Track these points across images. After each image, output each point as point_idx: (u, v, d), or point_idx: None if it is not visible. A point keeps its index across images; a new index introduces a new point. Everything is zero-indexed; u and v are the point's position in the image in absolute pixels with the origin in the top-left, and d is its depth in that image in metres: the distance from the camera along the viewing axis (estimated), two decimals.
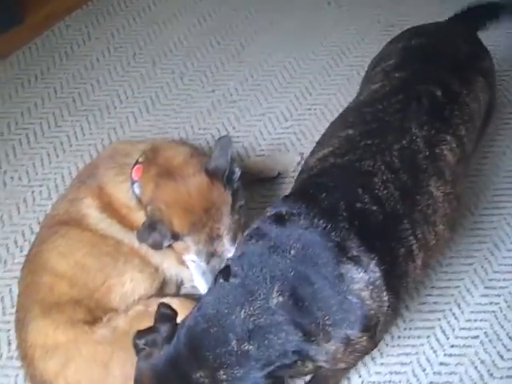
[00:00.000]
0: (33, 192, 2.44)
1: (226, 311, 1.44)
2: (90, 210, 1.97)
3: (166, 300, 1.87)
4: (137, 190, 1.94)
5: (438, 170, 1.64)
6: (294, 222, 1.49)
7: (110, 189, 1.98)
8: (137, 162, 1.97)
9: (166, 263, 2.02)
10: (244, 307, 1.43)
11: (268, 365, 1.44)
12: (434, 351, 2.03)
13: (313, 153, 1.76)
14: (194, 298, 2.04)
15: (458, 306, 2.13)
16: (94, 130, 2.65)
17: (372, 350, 1.60)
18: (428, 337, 2.06)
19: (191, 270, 1.95)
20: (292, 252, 1.45)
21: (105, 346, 1.80)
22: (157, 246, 1.86)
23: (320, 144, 1.79)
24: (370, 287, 1.45)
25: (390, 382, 1.97)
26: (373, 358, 2.01)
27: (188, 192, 1.84)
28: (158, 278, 2.02)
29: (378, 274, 1.46)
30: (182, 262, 1.96)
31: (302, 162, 1.80)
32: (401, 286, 1.56)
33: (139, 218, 1.93)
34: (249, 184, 2.37)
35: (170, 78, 2.81)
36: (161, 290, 2.04)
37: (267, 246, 1.48)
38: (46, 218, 2.09)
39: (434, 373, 1.99)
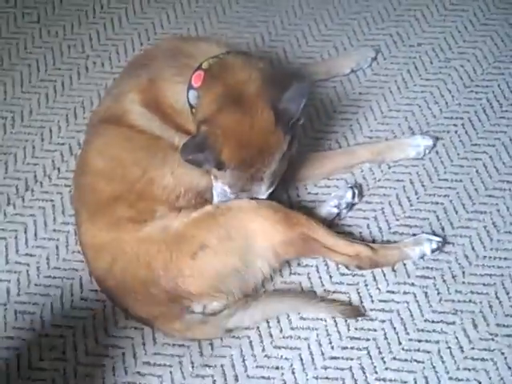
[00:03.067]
0: (114, 79, 2.37)
1: None
2: (133, 106, 1.87)
3: (246, 203, 1.80)
4: (192, 98, 1.81)
5: None
6: None
7: (163, 86, 1.86)
8: (199, 68, 1.83)
9: None
10: None
11: None
12: None
13: None
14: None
15: None
16: (181, 18, 2.55)
17: None
18: None
19: (214, 187, 1.85)
20: None
21: (148, 246, 1.75)
22: (195, 165, 1.77)
23: None
24: None
25: (469, 301, 1.88)
26: (454, 276, 1.92)
27: (250, 128, 1.73)
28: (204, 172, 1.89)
29: None
30: None
31: None
32: None
33: (183, 122, 1.84)
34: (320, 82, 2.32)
35: None
36: None
37: None
38: (91, 116, 2.03)
39: None
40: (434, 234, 1.98)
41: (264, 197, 1.84)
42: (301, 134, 2.04)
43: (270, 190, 1.85)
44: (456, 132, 2.21)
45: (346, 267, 1.91)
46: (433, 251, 1.93)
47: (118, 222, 1.80)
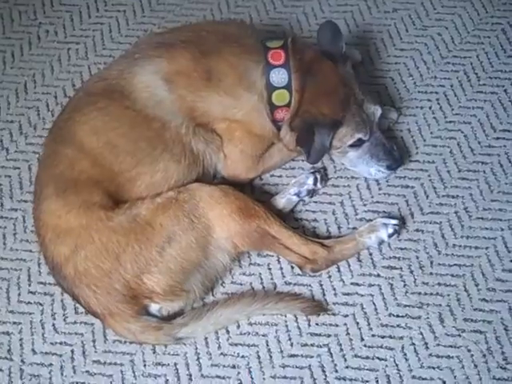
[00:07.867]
0: (69, 50, 2.26)
1: None
2: (151, 77, 1.79)
3: (206, 188, 1.76)
4: (276, 76, 1.83)
5: None
6: None
7: (232, 62, 1.82)
8: (268, 48, 1.84)
9: (209, 150, 1.87)
10: None
11: None
12: (492, 265, 1.82)
13: None
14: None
15: None
16: None
17: None
18: (487, 248, 1.85)
19: (357, 162, 1.91)
20: None
21: (119, 237, 1.67)
22: (324, 149, 1.82)
23: None
24: None
25: (437, 294, 1.79)
26: (422, 266, 1.82)
27: (325, 82, 1.83)
28: (195, 168, 1.86)
29: None
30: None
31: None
32: None
33: (242, 93, 1.83)
34: None
35: None
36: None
37: None
38: (88, 82, 1.92)
39: (488, 289, 1.79)
40: (391, 217, 1.88)
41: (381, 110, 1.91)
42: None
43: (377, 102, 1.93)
44: (430, 108, 2.09)
45: (300, 269, 1.81)
46: (390, 236, 1.84)
47: (90, 207, 1.70)
